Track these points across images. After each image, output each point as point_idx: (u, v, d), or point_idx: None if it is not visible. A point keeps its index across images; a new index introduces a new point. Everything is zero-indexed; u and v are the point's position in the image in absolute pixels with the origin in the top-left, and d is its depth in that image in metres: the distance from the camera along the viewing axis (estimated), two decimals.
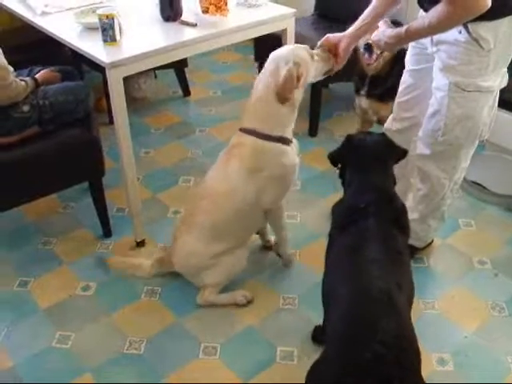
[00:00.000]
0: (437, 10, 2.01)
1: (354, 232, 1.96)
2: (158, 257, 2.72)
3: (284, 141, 2.46)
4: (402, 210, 2.08)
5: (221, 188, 2.48)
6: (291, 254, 2.84)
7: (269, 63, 2.41)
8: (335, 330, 1.72)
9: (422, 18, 2.12)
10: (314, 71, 2.43)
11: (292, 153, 2.51)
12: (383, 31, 2.28)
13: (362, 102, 3.28)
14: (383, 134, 2.26)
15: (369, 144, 2.14)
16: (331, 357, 1.66)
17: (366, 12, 2.40)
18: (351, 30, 2.44)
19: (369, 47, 2.80)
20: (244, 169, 2.43)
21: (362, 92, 3.24)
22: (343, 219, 2.06)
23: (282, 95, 2.34)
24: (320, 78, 2.52)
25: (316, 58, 2.43)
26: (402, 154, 2.20)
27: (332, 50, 2.45)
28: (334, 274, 1.96)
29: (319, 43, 2.48)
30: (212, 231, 2.50)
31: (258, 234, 2.90)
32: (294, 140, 2.56)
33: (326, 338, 1.86)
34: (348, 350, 1.59)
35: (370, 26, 2.40)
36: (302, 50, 2.42)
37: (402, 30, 2.17)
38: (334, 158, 2.22)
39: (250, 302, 2.61)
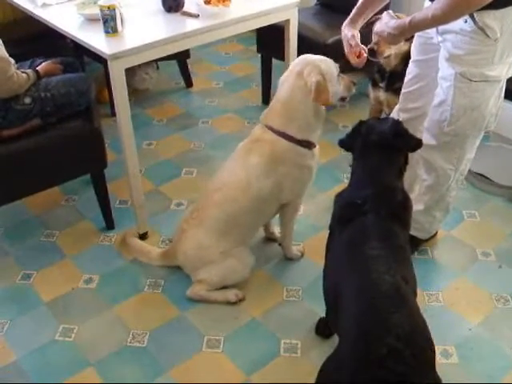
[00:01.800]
0: (441, 1, 1.98)
1: (354, 228, 1.94)
2: (163, 250, 2.72)
3: (307, 144, 2.48)
4: (403, 205, 2.04)
5: (237, 180, 2.48)
6: (296, 249, 2.83)
7: (297, 64, 2.44)
8: (347, 326, 1.70)
9: (426, 9, 2.10)
10: (334, 91, 2.45)
11: (311, 156, 2.52)
12: (386, 22, 2.25)
13: (380, 94, 3.29)
14: (397, 122, 2.19)
15: (375, 131, 2.09)
16: (345, 354, 1.65)
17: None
18: (350, 17, 2.50)
19: (372, 52, 2.81)
20: (262, 164, 2.44)
21: (381, 85, 3.25)
22: (342, 214, 2.05)
23: (321, 101, 2.40)
24: (335, 102, 2.54)
25: (340, 79, 2.48)
26: (414, 144, 2.13)
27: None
28: (337, 271, 1.94)
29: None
30: (223, 224, 2.50)
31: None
32: (317, 146, 2.57)
33: (338, 335, 1.84)
34: (363, 346, 1.57)
35: (366, 8, 2.45)
36: (332, 63, 2.46)
37: (406, 21, 2.15)
38: (345, 145, 2.20)
39: (241, 300, 2.60)
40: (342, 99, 2.58)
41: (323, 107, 2.48)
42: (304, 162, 2.50)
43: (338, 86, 2.47)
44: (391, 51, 2.96)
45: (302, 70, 2.40)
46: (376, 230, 1.89)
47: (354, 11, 2.48)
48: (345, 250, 1.94)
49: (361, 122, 2.17)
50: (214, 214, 2.51)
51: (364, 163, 2.09)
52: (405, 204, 2.05)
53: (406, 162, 2.14)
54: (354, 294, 1.75)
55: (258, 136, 2.49)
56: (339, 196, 2.15)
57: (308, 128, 2.46)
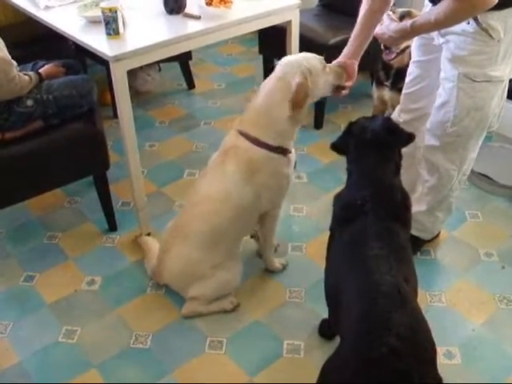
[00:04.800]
0: (443, 6, 1.98)
1: (354, 229, 1.94)
2: (154, 267, 2.64)
3: (282, 151, 2.40)
4: (402, 204, 2.03)
5: (216, 192, 2.41)
6: (278, 262, 2.77)
7: (277, 69, 2.35)
8: (348, 326, 1.70)
9: (428, 13, 2.10)
10: (323, 83, 2.36)
11: (286, 163, 2.44)
12: (387, 25, 2.25)
13: (385, 93, 3.27)
14: (387, 119, 2.19)
15: (367, 131, 2.07)
16: (347, 353, 1.65)
17: (356, 28, 2.39)
18: (349, 49, 2.42)
19: (386, 47, 2.80)
20: (239, 172, 2.37)
21: (387, 83, 3.23)
22: (342, 215, 2.05)
23: (296, 103, 2.27)
24: (328, 92, 2.44)
25: (328, 70, 2.37)
26: (407, 138, 2.11)
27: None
28: (338, 271, 1.94)
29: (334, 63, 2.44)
30: (210, 237, 2.45)
31: (251, 237, 2.88)
32: (293, 151, 2.50)
33: (340, 335, 1.84)
34: (364, 345, 1.57)
35: (365, 39, 2.39)
36: (314, 58, 2.36)
37: (407, 24, 2.14)
38: (337, 147, 2.18)
39: (236, 307, 2.57)
40: (337, 89, 2.45)
41: (302, 116, 2.38)
42: (280, 170, 2.43)
43: (327, 76, 2.36)
44: (409, 43, 2.88)
45: (283, 72, 2.30)
46: (376, 229, 1.89)
47: (353, 44, 2.41)
48: (345, 250, 1.94)
49: (351, 123, 2.16)
50: (199, 228, 2.45)
51: (359, 163, 2.09)
52: (404, 202, 2.05)
53: (400, 158, 2.13)
54: (355, 294, 1.75)
55: (232, 144, 2.41)
56: (338, 197, 2.14)
57: (284, 134, 2.37)
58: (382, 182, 2.03)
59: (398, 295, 1.67)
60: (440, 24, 2.06)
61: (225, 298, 2.57)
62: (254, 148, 2.36)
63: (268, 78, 2.38)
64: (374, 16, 2.33)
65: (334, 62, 2.43)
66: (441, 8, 1.99)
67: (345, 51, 2.44)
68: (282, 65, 2.35)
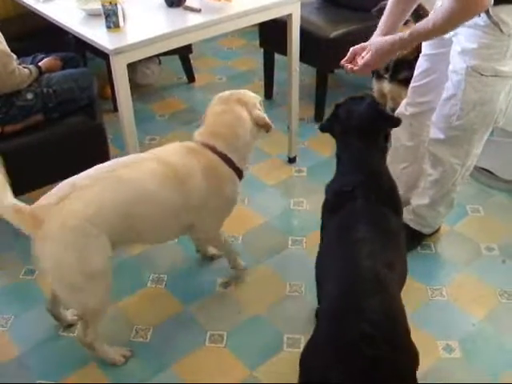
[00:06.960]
0: (441, 11, 1.97)
1: (342, 214, 1.94)
2: (19, 207, 2.09)
3: (240, 173, 2.41)
4: (390, 188, 2.04)
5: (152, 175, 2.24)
6: (244, 269, 2.72)
7: (230, 98, 2.64)
8: (324, 309, 1.71)
9: (426, 20, 2.07)
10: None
11: (239, 187, 2.44)
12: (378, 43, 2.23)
13: (384, 85, 3.25)
14: (374, 102, 2.15)
15: (353, 116, 2.06)
16: (320, 338, 1.64)
17: (386, 12, 2.36)
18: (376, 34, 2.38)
19: None
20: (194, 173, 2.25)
21: (386, 76, 3.21)
22: (332, 202, 2.06)
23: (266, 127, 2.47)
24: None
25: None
26: (394, 123, 2.12)
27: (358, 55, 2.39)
28: (325, 257, 1.96)
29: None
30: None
31: (198, 251, 2.83)
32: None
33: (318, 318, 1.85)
34: (336, 330, 1.57)
35: (395, 23, 2.35)
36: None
37: (405, 33, 2.12)
38: (325, 130, 2.18)
39: (127, 360, 2.33)
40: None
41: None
42: (234, 194, 2.41)
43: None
44: None
45: (241, 100, 2.58)
46: (364, 214, 1.90)
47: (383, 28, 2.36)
48: (334, 235, 1.96)
49: (337, 106, 2.15)
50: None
51: (347, 149, 2.09)
52: (391, 186, 2.06)
53: (387, 141, 2.13)
54: (334, 277, 1.75)
55: (198, 149, 2.36)
56: (329, 186, 2.16)
57: (247, 158, 2.44)
58: (370, 167, 2.04)
59: (376, 281, 1.66)
60: (439, 29, 2.03)
61: (119, 350, 2.34)
62: (220, 162, 2.34)
63: (222, 103, 2.64)
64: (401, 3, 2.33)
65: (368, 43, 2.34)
66: (439, 13, 1.98)
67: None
68: (232, 95, 2.63)
